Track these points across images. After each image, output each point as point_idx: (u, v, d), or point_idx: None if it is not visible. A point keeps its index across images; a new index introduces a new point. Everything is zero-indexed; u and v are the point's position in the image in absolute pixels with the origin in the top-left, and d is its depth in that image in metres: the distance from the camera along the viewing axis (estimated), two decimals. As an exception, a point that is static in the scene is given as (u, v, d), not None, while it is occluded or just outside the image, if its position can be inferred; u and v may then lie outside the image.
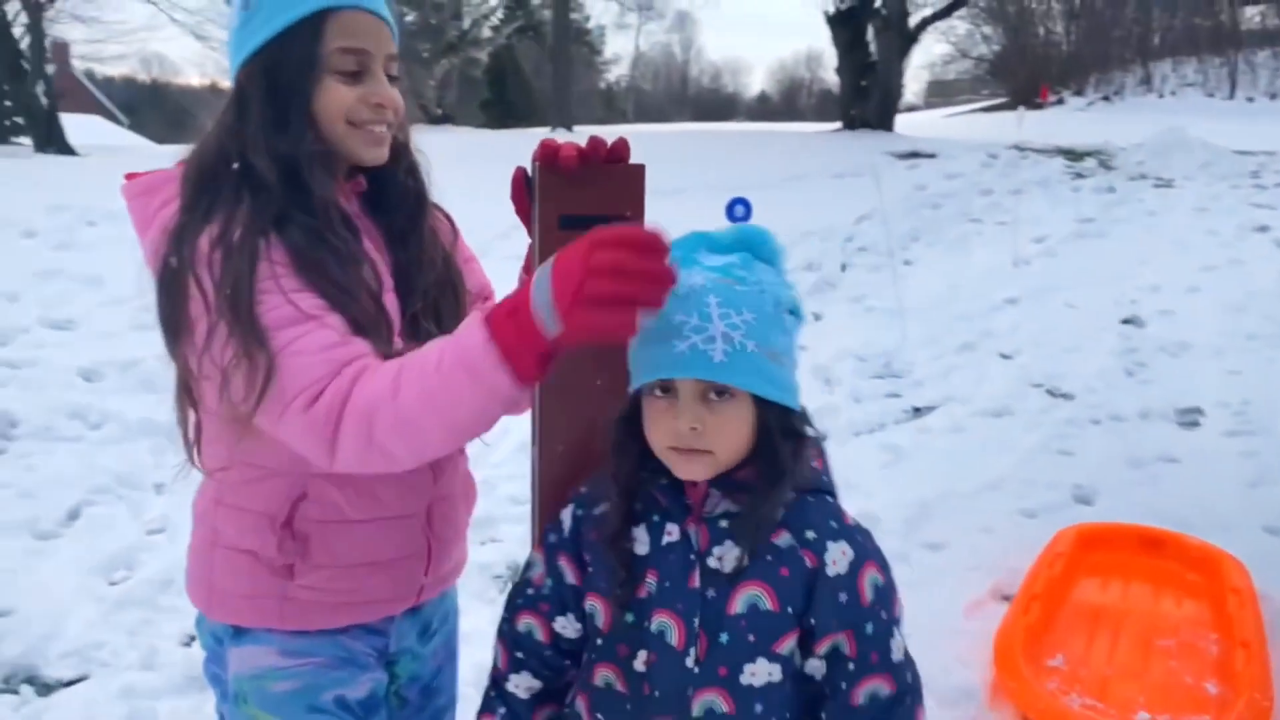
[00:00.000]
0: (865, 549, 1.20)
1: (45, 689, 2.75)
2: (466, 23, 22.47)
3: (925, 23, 17.61)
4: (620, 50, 59.90)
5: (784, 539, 1.18)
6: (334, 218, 1.33)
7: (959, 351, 5.86)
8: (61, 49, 26.22)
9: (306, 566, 1.38)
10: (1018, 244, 7.88)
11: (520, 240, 1.40)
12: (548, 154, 1.32)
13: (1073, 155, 11.56)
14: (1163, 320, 6.20)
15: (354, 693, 1.41)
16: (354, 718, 1.41)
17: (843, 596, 1.17)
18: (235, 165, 1.31)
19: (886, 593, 1.20)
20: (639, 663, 1.21)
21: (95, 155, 14.64)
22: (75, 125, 16.79)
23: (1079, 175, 10.53)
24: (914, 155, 12.29)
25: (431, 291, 1.46)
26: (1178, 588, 3.10)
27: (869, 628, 1.18)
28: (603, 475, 1.26)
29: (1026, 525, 3.62)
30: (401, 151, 1.47)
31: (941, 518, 3.64)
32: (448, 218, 1.58)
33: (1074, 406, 4.92)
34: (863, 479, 4.06)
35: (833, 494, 1.25)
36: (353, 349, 1.23)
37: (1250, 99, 23.39)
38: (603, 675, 1.24)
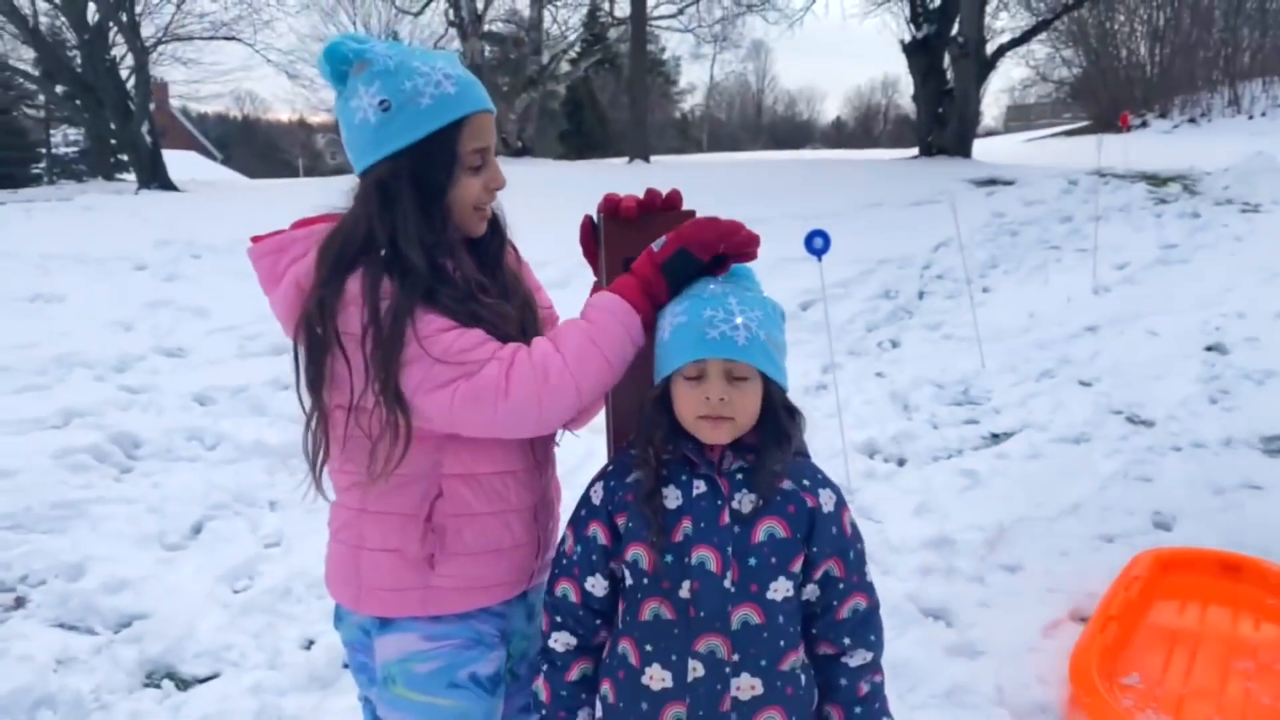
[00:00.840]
0: (841, 496, 1.57)
1: (183, 684, 3.02)
2: (546, 57, 22.99)
3: (1003, 49, 17.52)
4: (695, 79, 60.36)
5: (787, 485, 1.51)
6: (474, 286, 1.60)
7: (1038, 379, 5.89)
8: (162, 89, 27.53)
9: (444, 556, 1.61)
10: (1098, 271, 7.86)
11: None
12: (610, 206, 1.65)
13: (1156, 181, 11.40)
14: (1248, 348, 6.14)
15: (484, 669, 1.65)
16: (485, 691, 1.65)
17: (833, 529, 1.53)
18: (384, 251, 1.52)
19: (857, 529, 1.58)
20: (684, 591, 1.48)
21: (195, 190, 15.37)
22: (172, 161, 17.59)
23: (1162, 201, 10.40)
24: (992, 182, 12.26)
25: (519, 311, 1.69)
26: (1257, 611, 3.13)
27: (851, 555, 1.54)
28: (624, 455, 1.58)
29: (1104, 549, 3.66)
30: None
31: (1018, 541, 3.70)
32: (513, 248, 1.81)
33: (1154, 434, 4.92)
34: (940, 502, 4.15)
35: (808, 455, 1.60)
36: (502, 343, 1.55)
37: (1346, 119, 22.65)
38: (651, 609, 1.51)
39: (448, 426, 1.53)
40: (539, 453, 1.73)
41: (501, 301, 1.65)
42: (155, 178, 15.74)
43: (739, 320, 1.47)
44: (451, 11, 22.07)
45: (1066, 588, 3.36)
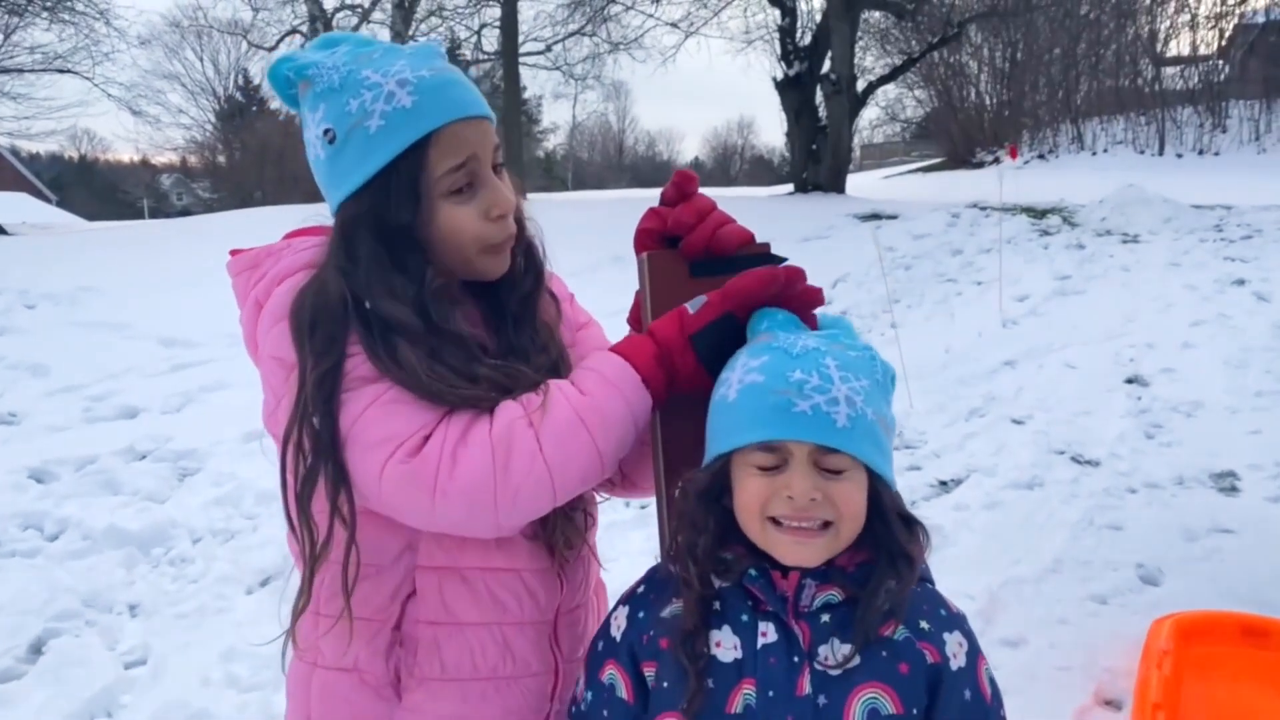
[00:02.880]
0: (974, 638, 1.10)
1: None
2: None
3: (873, 85, 17.85)
4: (557, 119, 60.55)
5: (897, 631, 1.04)
6: (465, 347, 1.17)
7: (969, 418, 5.65)
8: (-13, 126, 25.43)
9: (414, 681, 1.19)
10: (1002, 303, 7.77)
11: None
12: (678, 234, 1.24)
13: (1035, 213, 11.61)
14: (1167, 379, 6.06)
15: None
16: None
17: (967, 694, 1.06)
18: (367, 305, 1.14)
19: (997, 689, 1.10)
20: None
21: (26, 234, 14.02)
22: (0, 203, 16.12)
23: (1045, 233, 10.55)
24: (875, 216, 12.27)
25: (544, 374, 1.22)
26: (1291, 681, 2.83)
27: None
28: (662, 572, 1.13)
29: (1102, 614, 3.34)
30: (519, 229, 1.28)
31: (1011, 608, 3.34)
32: (553, 295, 1.35)
33: (1104, 475, 4.69)
34: (911, 565, 3.76)
35: (932, 580, 1.13)
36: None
37: (1179, 155, 24.11)
38: None
39: (379, 508, 1.12)
40: None
41: (511, 364, 1.19)
42: (-20, 221, 14.33)
43: (839, 390, 1.02)
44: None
45: (1077, 663, 3.01)
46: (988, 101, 30.39)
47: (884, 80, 18.32)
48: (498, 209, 1.19)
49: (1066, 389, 6.02)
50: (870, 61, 21.73)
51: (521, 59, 22.62)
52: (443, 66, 1.20)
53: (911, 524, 1.08)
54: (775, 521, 1.04)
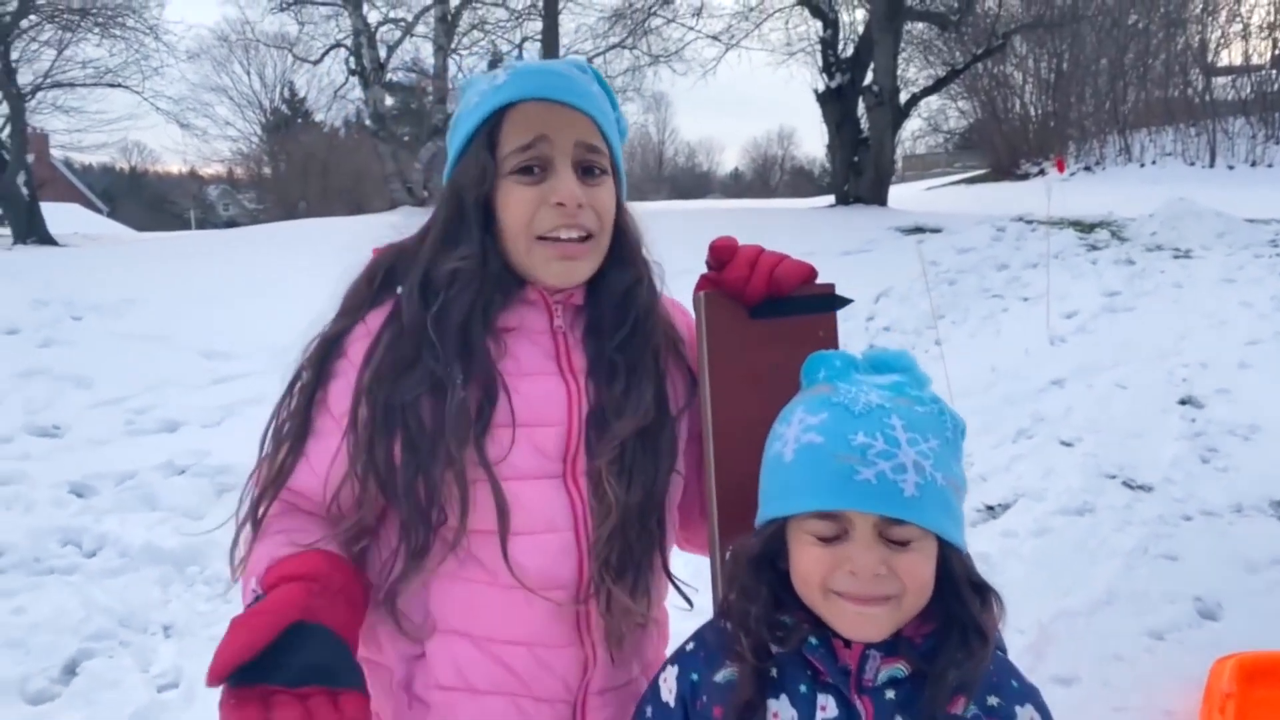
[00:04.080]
0: (1048, 713, 1.02)
1: None
2: (451, 106, 22.43)
3: (916, 97, 17.67)
4: (597, 130, 60.73)
5: (967, 709, 0.97)
6: (474, 356, 1.12)
7: (1016, 439, 5.51)
8: (41, 139, 26.00)
9: None
10: (1050, 320, 7.60)
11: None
12: (731, 282, 1.18)
13: (1082, 227, 11.38)
14: (1222, 400, 5.87)
15: None
16: None
17: None
18: (399, 290, 1.17)
19: None
20: None
21: (77, 245, 14.26)
22: (53, 214, 16.45)
23: (1093, 247, 10.33)
24: (919, 230, 12.11)
25: (629, 444, 1.14)
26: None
27: None
28: (716, 628, 1.05)
29: (1158, 650, 3.21)
30: (626, 259, 1.21)
31: (1063, 643, 3.22)
32: (671, 327, 1.26)
33: (1157, 501, 4.54)
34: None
35: (1004, 648, 1.06)
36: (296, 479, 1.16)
37: (1231, 166, 23.61)
38: None
39: None
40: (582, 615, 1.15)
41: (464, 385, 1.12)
42: (33, 232, 14.62)
43: (907, 455, 0.94)
44: (352, 60, 21.39)
45: (1134, 704, 2.89)
46: (1032, 112, 30.01)
47: (927, 92, 18.12)
48: (556, 196, 1.14)
49: (1117, 410, 5.85)
50: (913, 73, 21.53)
51: (562, 72, 22.67)
52: (560, 62, 1.21)
53: (984, 592, 1.00)
54: (836, 592, 0.97)
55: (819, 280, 1.19)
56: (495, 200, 1.16)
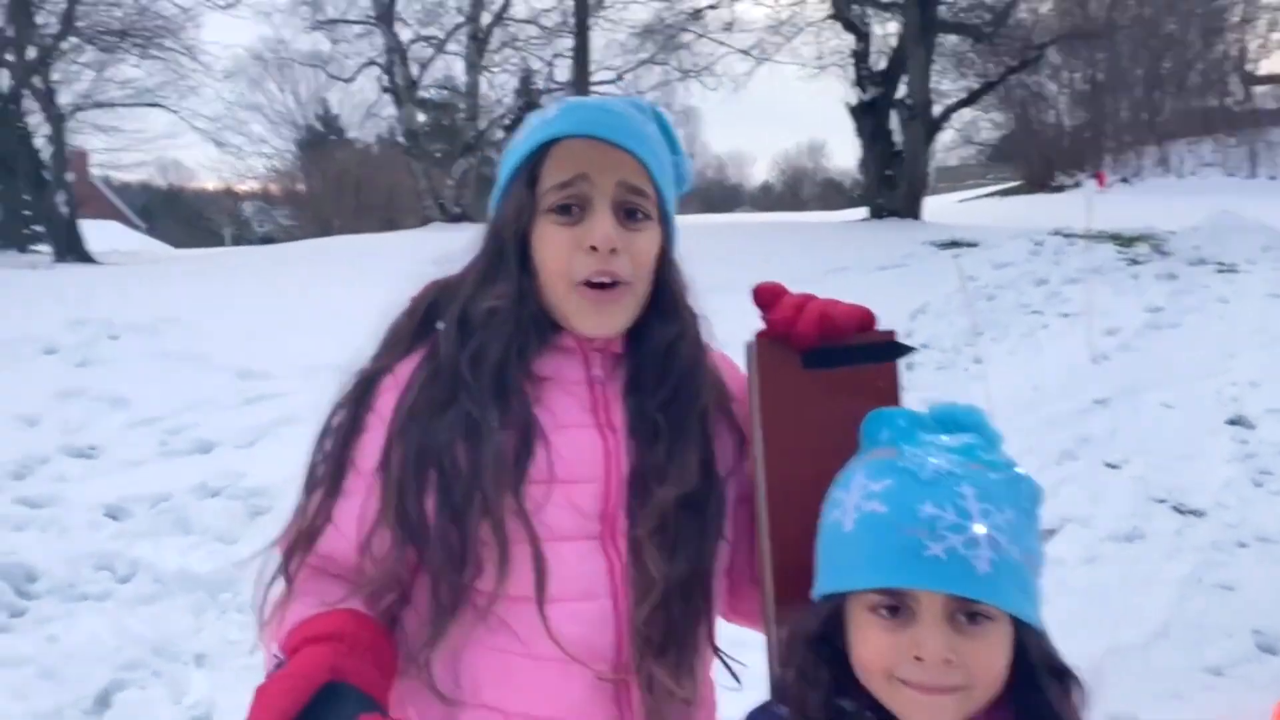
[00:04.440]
0: None
1: None
2: (483, 123, 22.52)
3: (950, 110, 17.53)
4: (628, 145, 60.94)
5: None
6: (511, 400, 1.06)
7: (1061, 461, 5.38)
8: (81, 158, 26.44)
9: None
10: (1092, 337, 7.45)
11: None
12: (777, 323, 1.08)
13: (1121, 240, 11.19)
14: (1274, 420, 5.71)
15: None
16: None
17: None
18: (439, 325, 1.12)
19: None
20: None
21: (115, 263, 14.43)
22: (93, 230, 16.70)
23: (1134, 261, 10.15)
24: (954, 244, 11.97)
25: (673, 513, 1.06)
26: None
27: None
28: (772, 713, 0.98)
29: (1218, 686, 3.09)
30: (668, 311, 1.13)
31: (1119, 680, 3.10)
32: (719, 384, 1.18)
33: (1210, 526, 4.40)
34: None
35: None
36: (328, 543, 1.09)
37: (1272, 177, 23.23)
38: None
39: None
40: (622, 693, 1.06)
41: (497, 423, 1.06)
42: (72, 250, 14.81)
43: (979, 528, 0.86)
44: (385, 78, 21.57)
45: (1197, 747, 2.77)
46: (1067, 123, 29.73)
47: (961, 104, 17.99)
48: (590, 239, 1.07)
49: (1165, 431, 5.70)
50: (946, 85, 21.38)
51: (592, 88, 22.77)
52: (618, 100, 1.16)
53: (1065, 678, 0.92)
54: (901, 679, 0.89)
55: (879, 328, 1.11)
56: (532, 238, 1.11)
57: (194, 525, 4.53)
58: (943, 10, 17.14)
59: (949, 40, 19.29)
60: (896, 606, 0.88)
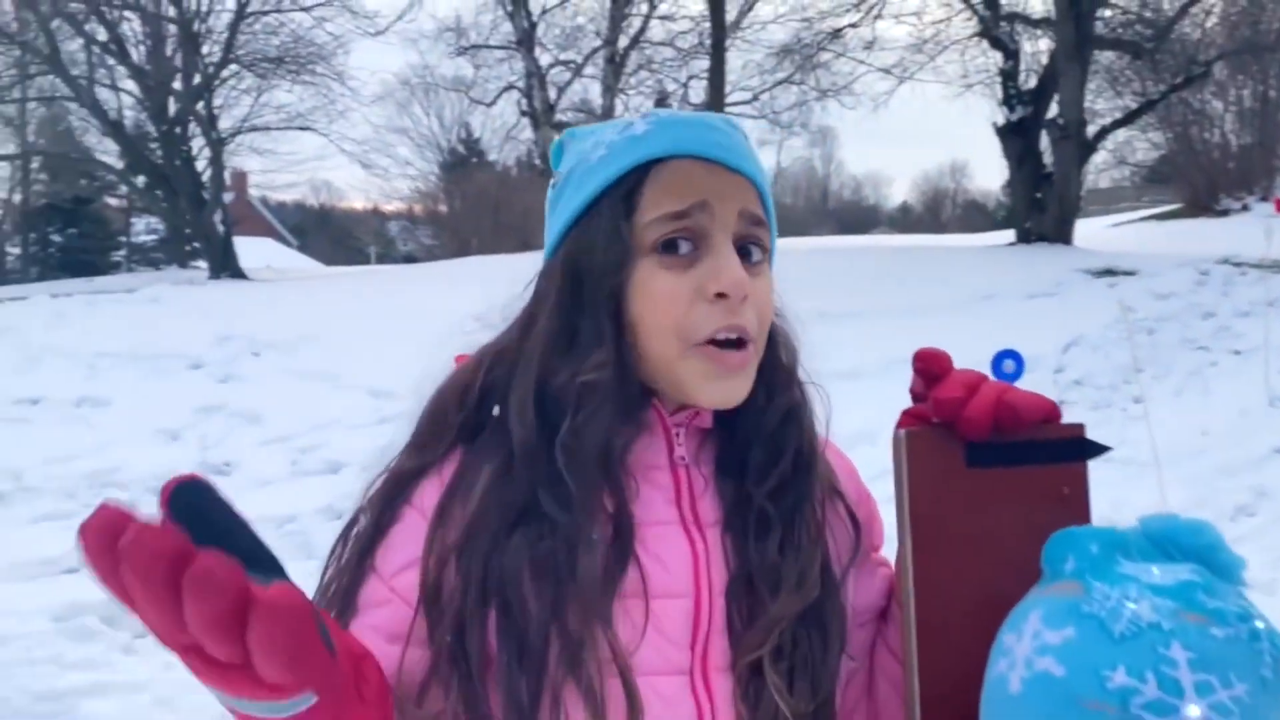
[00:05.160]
0: None
1: None
2: (619, 144, 22.70)
3: (1105, 130, 16.65)
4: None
5: None
6: (618, 500, 0.85)
7: (1235, 517, 4.90)
8: (240, 178, 27.95)
9: None
10: (1269, 378, 6.82)
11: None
12: (940, 405, 0.79)
13: (1301, 271, 10.30)
14: None
15: None
16: None
17: None
18: (496, 410, 0.89)
19: None
20: None
21: (265, 279, 15.04)
22: (249, 247, 17.58)
23: (1316, 294, 9.31)
24: (1109, 272, 11.26)
25: (787, 633, 0.84)
26: None
27: None
28: None
29: None
30: (779, 377, 0.92)
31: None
32: (845, 505, 0.95)
33: None
34: None
35: None
36: None
37: None
38: None
39: None
40: None
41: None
42: (226, 266, 15.57)
43: (1193, 710, 0.63)
44: (524, 101, 21.98)
45: None
46: (1233, 143, 27.96)
47: (1118, 124, 17.06)
48: (717, 284, 0.84)
49: (1358, 487, 5.14)
50: (1101, 104, 20.36)
51: (727, 109, 22.65)
52: (709, 115, 0.93)
53: None
54: None
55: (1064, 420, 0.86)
56: (627, 286, 0.87)
57: (317, 550, 4.52)
58: (1099, 26, 16.32)
59: (1104, 57, 18.37)
60: None
